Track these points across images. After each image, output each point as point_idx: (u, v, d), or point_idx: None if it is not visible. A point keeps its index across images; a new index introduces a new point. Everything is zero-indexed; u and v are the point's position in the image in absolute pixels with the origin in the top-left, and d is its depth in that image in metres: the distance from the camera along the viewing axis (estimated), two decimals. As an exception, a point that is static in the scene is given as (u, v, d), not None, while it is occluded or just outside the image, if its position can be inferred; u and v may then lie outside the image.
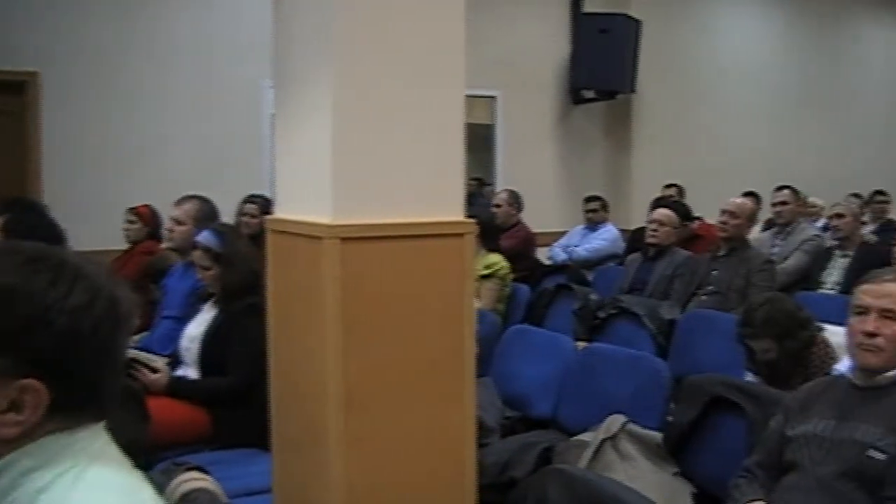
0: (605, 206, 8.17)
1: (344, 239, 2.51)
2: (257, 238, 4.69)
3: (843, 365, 3.18)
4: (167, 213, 5.33)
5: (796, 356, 3.53)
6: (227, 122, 7.68)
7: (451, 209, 2.67)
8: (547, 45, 9.36)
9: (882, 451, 2.57)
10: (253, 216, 6.18)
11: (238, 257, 4.12)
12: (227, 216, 5.81)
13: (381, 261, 2.57)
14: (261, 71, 7.10)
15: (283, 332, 2.91)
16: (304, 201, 2.71)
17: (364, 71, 2.55)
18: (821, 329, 3.70)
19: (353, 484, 2.56)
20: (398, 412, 2.62)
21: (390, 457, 2.63)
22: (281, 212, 2.93)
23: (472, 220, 2.71)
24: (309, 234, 2.63)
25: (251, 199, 6.40)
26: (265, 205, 5.83)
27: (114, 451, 1.33)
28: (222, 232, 4.30)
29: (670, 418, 3.56)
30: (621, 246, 7.85)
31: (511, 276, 5.89)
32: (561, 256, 7.75)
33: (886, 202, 9.47)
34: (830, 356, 3.61)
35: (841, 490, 2.59)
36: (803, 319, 3.60)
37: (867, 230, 8.27)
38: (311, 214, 2.64)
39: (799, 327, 3.56)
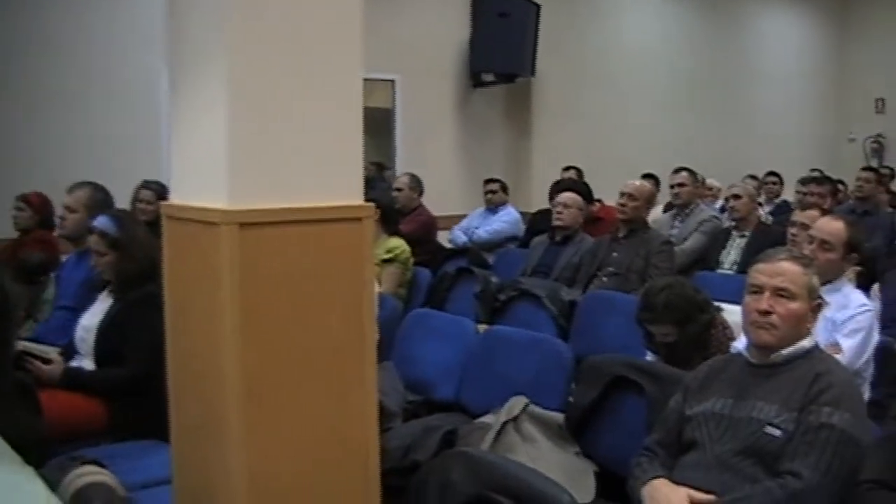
0: (505, 189, 8.21)
1: (241, 224, 2.47)
2: (153, 225, 4.59)
3: (740, 343, 3.25)
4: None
5: (696, 339, 3.58)
6: (124, 108, 7.48)
7: (349, 193, 2.65)
8: (447, 28, 9.34)
9: (778, 428, 2.62)
10: (149, 203, 6.03)
11: (135, 243, 4.03)
12: (124, 205, 5.68)
13: (279, 246, 2.53)
14: (157, 57, 6.94)
15: (181, 321, 2.85)
16: (201, 187, 2.66)
17: (259, 55, 2.51)
18: (719, 310, 3.78)
19: (254, 472, 2.52)
20: (299, 399, 2.60)
21: (291, 444, 2.60)
22: (177, 197, 2.86)
23: (371, 205, 2.68)
24: (205, 220, 2.57)
25: (146, 185, 6.25)
26: (161, 191, 5.71)
27: (2, 446, 1.29)
28: (119, 217, 4.21)
29: (571, 399, 3.59)
30: (521, 228, 7.92)
31: (412, 260, 5.88)
32: (461, 239, 7.77)
33: (779, 183, 9.72)
34: (728, 337, 3.68)
35: (739, 466, 2.64)
36: (702, 303, 3.66)
37: (763, 211, 8.48)
38: (208, 200, 2.58)
39: (698, 311, 3.61)
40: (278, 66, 2.53)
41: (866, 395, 3.65)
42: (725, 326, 3.73)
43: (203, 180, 2.64)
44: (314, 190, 2.59)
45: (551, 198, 7.46)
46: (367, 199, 2.71)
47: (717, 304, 3.84)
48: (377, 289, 5.23)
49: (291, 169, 2.56)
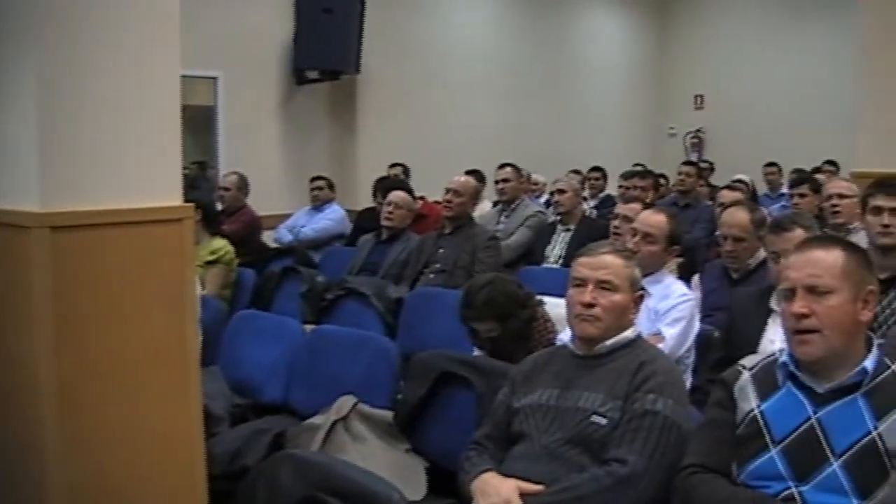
0: (330, 186, 8.15)
1: (54, 228, 2.38)
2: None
3: (565, 335, 3.31)
4: None
5: (518, 333, 3.64)
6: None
7: (168, 194, 2.58)
8: (269, 24, 9.18)
9: (604, 416, 2.68)
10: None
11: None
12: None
13: (95, 250, 2.45)
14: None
15: (-10, 330, 2.72)
16: (10, 189, 2.54)
17: (70, 53, 2.41)
18: (541, 303, 3.85)
19: (74, 485, 2.44)
20: (119, 407, 2.52)
21: (114, 454, 2.52)
22: (-16, 201, 2.72)
23: (191, 205, 2.63)
24: (15, 224, 2.47)
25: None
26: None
27: None
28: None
29: (400, 396, 3.60)
30: (348, 226, 7.87)
31: (237, 260, 5.77)
32: (287, 238, 7.68)
33: (603, 178, 9.99)
34: (550, 329, 3.75)
35: (567, 456, 2.68)
36: (523, 298, 3.71)
37: (587, 205, 8.69)
38: (18, 203, 2.48)
39: (519, 307, 3.66)
40: (90, 63, 2.45)
41: (688, 382, 3.77)
42: (547, 319, 3.80)
43: (12, 182, 2.53)
44: (131, 191, 2.52)
45: (375, 195, 7.49)
46: (187, 200, 2.65)
47: (541, 297, 3.92)
48: (201, 291, 5.15)
49: (106, 169, 2.48)
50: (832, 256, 2.39)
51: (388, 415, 3.57)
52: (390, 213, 6.17)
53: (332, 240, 7.68)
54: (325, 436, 3.47)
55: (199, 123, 8.76)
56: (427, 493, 3.29)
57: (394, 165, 8.94)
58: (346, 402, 3.59)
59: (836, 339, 2.32)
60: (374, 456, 3.38)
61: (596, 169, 10.06)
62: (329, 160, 9.58)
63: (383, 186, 7.31)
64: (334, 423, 3.50)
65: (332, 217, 7.89)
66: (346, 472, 2.62)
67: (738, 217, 4.65)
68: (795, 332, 2.35)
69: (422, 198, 7.66)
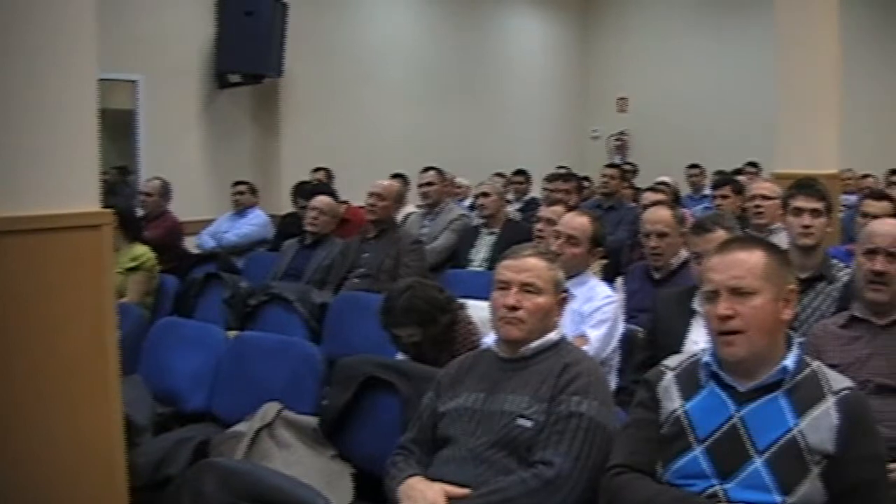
0: (253, 191, 8.09)
1: (-37, 236, 2.31)
2: None
3: (490, 338, 3.32)
4: None
5: (440, 338, 3.61)
6: None
7: (85, 199, 2.52)
8: (191, 27, 9.07)
9: (529, 419, 2.69)
10: None
11: None
12: None
13: (9, 257, 2.38)
14: None
15: None
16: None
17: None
18: (463, 307, 3.84)
19: (-9, 501, 2.37)
20: (38, 419, 2.46)
21: (31, 466, 2.45)
22: None
23: (109, 211, 2.57)
24: (-78, 231, 2.39)
25: None
26: None
27: None
28: None
29: (325, 402, 3.57)
30: (271, 231, 7.82)
31: (158, 267, 5.68)
32: (210, 244, 7.60)
33: (527, 181, 10.04)
34: (473, 333, 3.75)
35: (493, 459, 2.68)
36: (444, 302, 3.68)
37: (511, 208, 8.72)
38: (-76, 209, 2.40)
39: (439, 311, 3.62)
40: (1, 66, 2.38)
41: (613, 383, 3.82)
42: (469, 322, 3.79)
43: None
44: (46, 196, 2.45)
45: (295, 200, 7.45)
46: (106, 206, 2.59)
47: (465, 300, 3.92)
48: (122, 298, 5.07)
49: (20, 175, 2.42)
50: (754, 258, 2.43)
51: (313, 421, 3.54)
52: (314, 218, 6.14)
53: (255, 245, 7.63)
54: (250, 443, 3.42)
55: (118, 127, 8.62)
56: (354, 498, 3.26)
57: (317, 170, 8.90)
58: (270, 409, 3.54)
59: (759, 338, 2.36)
60: (300, 463, 3.35)
61: (520, 172, 10.09)
62: (252, 165, 9.50)
63: (302, 191, 7.27)
64: (259, 431, 3.46)
65: (255, 222, 7.84)
66: (271, 479, 2.59)
67: (660, 213, 4.73)
68: (720, 334, 2.39)
69: (345, 202, 7.63)
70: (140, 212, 6.95)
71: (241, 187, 8.04)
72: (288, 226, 7.47)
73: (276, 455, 3.41)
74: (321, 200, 6.23)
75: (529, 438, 2.67)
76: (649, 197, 6.35)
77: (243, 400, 3.78)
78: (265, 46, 9.06)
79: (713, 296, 2.43)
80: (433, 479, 2.71)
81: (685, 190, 10.64)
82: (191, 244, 7.64)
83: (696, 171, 10.89)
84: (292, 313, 5.06)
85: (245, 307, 5.25)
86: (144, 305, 5.42)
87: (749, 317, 2.36)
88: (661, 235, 4.60)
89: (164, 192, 7.26)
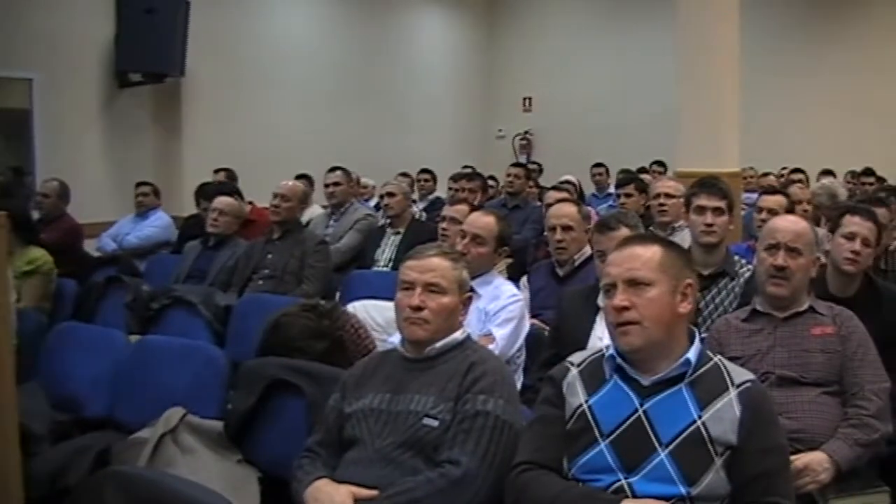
0: (156, 192, 7.96)
1: None
2: None
3: (396, 338, 3.31)
4: None
5: (327, 358, 3.54)
6: None
7: (-24, 202, 2.45)
8: (90, 24, 8.86)
9: (435, 419, 2.69)
10: None
11: None
12: None
13: None
14: None
15: None
16: None
17: None
18: (342, 316, 3.77)
19: None
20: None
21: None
22: None
23: (3, 213, 2.50)
24: None
25: None
26: None
27: None
28: None
29: (230, 405, 3.52)
30: (174, 233, 7.71)
31: (56, 271, 5.55)
32: (111, 246, 7.47)
33: (432, 180, 10.05)
34: (364, 337, 3.73)
35: (400, 459, 2.68)
36: (316, 330, 3.60)
37: (417, 208, 8.73)
38: None
39: (315, 338, 3.56)
40: None
41: (520, 381, 3.84)
42: (358, 328, 3.77)
43: None
44: (-66, 199, 2.37)
45: (197, 202, 7.35)
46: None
47: (372, 300, 3.89)
48: (17, 303, 4.93)
49: None
50: (650, 251, 2.48)
51: (218, 425, 3.49)
52: (215, 219, 6.07)
53: (157, 247, 7.52)
54: (153, 450, 3.36)
55: (13, 127, 8.43)
56: (260, 503, 3.23)
57: (219, 170, 8.76)
58: (174, 414, 3.49)
59: (656, 330, 2.40)
60: (205, 468, 3.31)
61: (425, 171, 10.11)
62: (154, 165, 9.35)
63: (205, 192, 7.17)
64: (162, 437, 3.40)
65: (158, 224, 7.73)
66: (175, 486, 2.54)
67: (565, 208, 4.84)
68: (617, 325, 2.42)
69: (251, 203, 7.55)
70: (36, 214, 6.81)
71: (144, 188, 7.90)
72: (191, 228, 7.36)
73: (180, 461, 3.36)
74: (222, 201, 6.17)
75: (436, 438, 2.68)
76: (553, 195, 6.41)
77: (146, 406, 3.71)
78: (167, 45, 8.92)
79: (611, 288, 2.47)
80: (340, 482, 2.70)
81: (590, 189, 10.80)
82: (91, 247, 7.48)
83: (600, 169, 11.06)
84: (196, 316, 4.98)
85: (147, 311, 5.16)
86: (42, 310, 5.29)
87: (644, 308, 2.41)
88: (566, 229, 4.67)
89: (62, 193, 7.11)
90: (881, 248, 4.57)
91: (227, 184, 7.80)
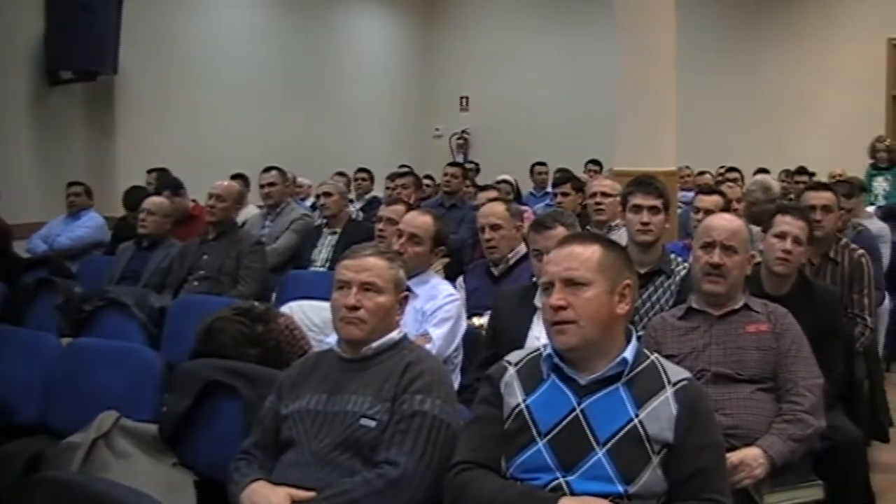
0: (88, 193, 7.84)
1: None
2: None
3: (331, 338, 3.30)
4: None
5: (265, 359, 3.52)
6: None
7: None
8: (18, 20, 8.66)
9: (372, 419, 2.69)
10: None
11: None
12: None
13: None
14: None
15: None
16: None
17: None
18: (275, 319, 3.73)
19: None
20: None
21: None
22: None
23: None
24: None
25: None
26: None
27: None
28: None
29: (165, 408, 3.48)
30: (107, 234, 7.61)
31: (-16, 273, 5.45)
32: (41, 248, 7.34)
33: (369, 179, 10.03)
34: (299, 338, 3.72)
35: (338, 461, 2.68)
36: (249, 337, 3.56)
37: (354, 207, 8.71)
38: None
39: (248, 345, 3.52)
40: None
41: (457, 381, 3.85)
42: (293, 329, 3.75)
43: None
44: None
45: (126, 205, 7.27)
46: (-78, 209, 2.46)
47: (308, 301, 3.87)
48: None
49: None
50: (589, 251, 2.49)
51: (152, 428, 3.44)
52: (143, 219, 6.03)
53: (89, 248, 7.41)
54: (86, 455, 3.30)
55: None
56: (197, 506, 3.19)
57: (152, 170, 8.65)
58: (107, 418, 3.43)
59: (592, 330, 2.42)
60: (140, 472, 3.26)
61: (362, 170, 10.10)
62: (86, 165, 9.15)
63: (131, 199, 7.12)
64: (95, 441, 3.35)
65: (90, 224, 7.62)
66: (108, 491, 2.50)
67: (493, 207, 4.89)
68: (553, 324, 2.43)
69: (194, 200, 7.46)
70: (-37, 216, 6.68)
71: (76, 188, 7.78)
72: (124, 228, 7.28)
73: (113, 466, 3.31)
74: (150, 201, 6.15)
75: (373, 438, 2.68)
76: (485, 196, 6.44)
77: (78, 410, 3.64)
78: (99, 42, 8.73)
79: (549, 287, 2.48)
80: (277, 484, 2.69)
81: (528, 188, 10.86)
82: (20, 248, 7.33)
83: (543, 168, 11.11)
84: (129, 318, 4.92)
85: (79, 313, 5.07)
86: (-31, 314, 5.17)
87: (581, 307, 2.42)
88: (495, 228, 4.70)
89: (-6, 195, 6.98)
90: (832, 238, 4.66)
91: (169, 177, 7.69)
